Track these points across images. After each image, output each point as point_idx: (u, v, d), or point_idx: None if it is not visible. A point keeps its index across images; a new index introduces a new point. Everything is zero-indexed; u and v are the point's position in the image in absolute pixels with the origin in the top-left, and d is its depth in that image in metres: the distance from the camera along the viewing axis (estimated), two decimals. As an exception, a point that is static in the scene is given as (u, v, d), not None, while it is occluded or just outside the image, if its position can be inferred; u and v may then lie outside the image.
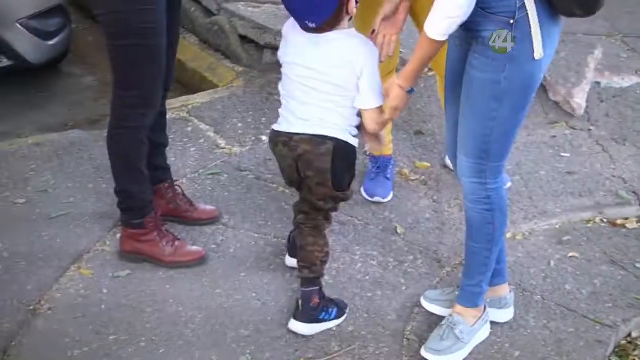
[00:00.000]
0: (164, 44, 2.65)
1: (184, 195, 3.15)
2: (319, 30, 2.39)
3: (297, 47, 2.46)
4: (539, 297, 2.87)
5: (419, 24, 2.85)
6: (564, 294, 2.88)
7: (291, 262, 2.86)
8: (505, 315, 2.73)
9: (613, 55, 4.40)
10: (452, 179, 3.43)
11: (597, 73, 4.20)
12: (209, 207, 3.19)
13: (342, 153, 2.49)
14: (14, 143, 3.68)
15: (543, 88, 4.00)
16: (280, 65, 2.56)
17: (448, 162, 3.52)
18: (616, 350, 2.75)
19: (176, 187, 3.14)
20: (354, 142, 2.51)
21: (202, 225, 3.13)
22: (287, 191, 3.32)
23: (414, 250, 3.07)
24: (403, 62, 2.67)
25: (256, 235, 3.10)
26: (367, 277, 2.92)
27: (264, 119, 3.86)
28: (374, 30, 2.58)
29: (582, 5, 2.20)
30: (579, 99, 4.01)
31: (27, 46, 4.43)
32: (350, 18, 2.47)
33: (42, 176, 3.39)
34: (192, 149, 3.64)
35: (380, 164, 3.37)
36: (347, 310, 2.72)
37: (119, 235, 3.00)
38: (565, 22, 2.31)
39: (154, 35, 2.61)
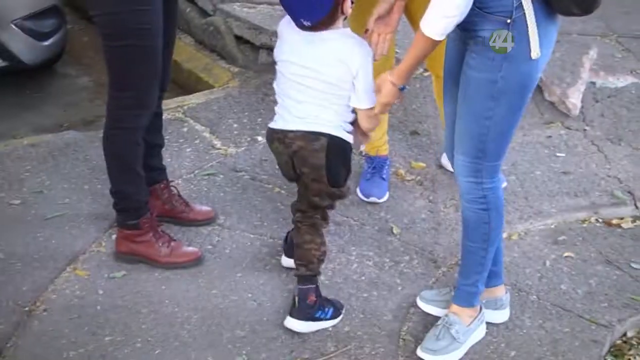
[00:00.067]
0: (160, 44, 2.65)
1: (179, 195, 3.15)
2: (313, 28, 2.40)
3: (292, 45, 2.47)
4: (534, 297, 2.87)
5: (414, 24, 2.85)
6: (560, 294, 2.89)
7: (287, 262, 2.86)
8: (501, 316, 2.73)
9: (608, 55, 4.41)
10: (447, 179, 3.44)
11: (592, 73, 4.22)
12: (204, 208, 3.19)
13: (336, 149, 2.50)
14: (8, 144, 3.67)
15: (538, 88, 4.01)
16: (275, 65, 2.57)
17: (444, 162, 3.52)
18: (611, 349, 2.76)
19: (172, 188, 3.14)
20: (348, 137, 2.52)
21: (197, 225, 3.13)
22: (282, 192, 3.33)
23: (409, 250, 3.07)
24: (398, 63, 2.67)
25: (252, 236, 3.10)
26: (363, 278, 2.92)
27: (259, 119, 3.86)
28: (367, 30, 2.59)
29: (579, 3, 2.21)
30: (574, 99, 4.02)
31: (22, 47, 4.42)
32: (345, 18, 2.47)
33: (37, 177, 3.39)
34: (188, 150, 3.64)
35: (376, 164, 3.37)
36: (343, 311, 2.72)
37: (114, 236, 2.99)
38: (559, 22, 2.31)
39: (150, 36, 2.60)
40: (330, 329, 2.67)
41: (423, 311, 2.76)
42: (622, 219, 3.34)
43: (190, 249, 2.97)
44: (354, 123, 2.54)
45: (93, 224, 3.11)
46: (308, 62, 2.43)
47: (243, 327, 2.67)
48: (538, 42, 2.21)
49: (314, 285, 2.64)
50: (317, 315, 2.64)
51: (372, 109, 2.46)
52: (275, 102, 2.60)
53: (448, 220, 3.23)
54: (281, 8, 2.45)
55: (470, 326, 2.60)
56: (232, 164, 3.54)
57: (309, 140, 2.47)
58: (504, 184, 3.33)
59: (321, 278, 2.73)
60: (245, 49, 4.50)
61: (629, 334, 2.83)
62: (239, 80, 4.30)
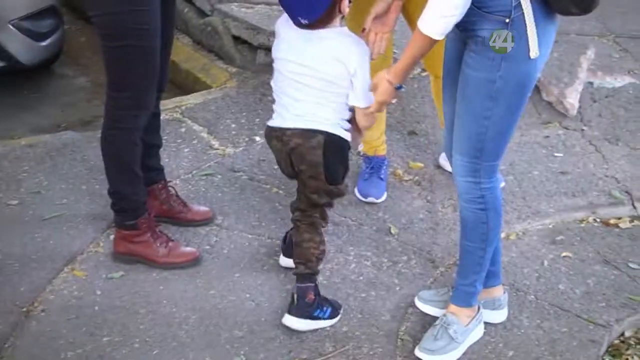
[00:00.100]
0: (158, 45, 2.65)
1: (177, 196, 3.15)
2: (311, 26, 2.41)
3: (290, 43, 2.48)
4: (532, 297, 2.87)
5: (412, 23, 2.86)
6: (558, 294, 2.89)
7: (285, 262, 2.86)
8: (498, 316, 2.73)
9: (605, 56, 4.42)
10: (445, 179, 3.44)
11: (589, 73, 4.22)
12: (202, 208, 3.19)
13: (334, 146, 2.51)
14: (6, 144, 3.67)
15: (536, 88, 4.01)
16: (273, 63, 2.57)
17: (442, 162, 3.52)
18: (609, 349, 2.76)
19: (170, 188, 3.13)
20: (346, 135, 2.53)
21: (195, 226, 3.12)
22: (280, 192, 3.33)
23: (407, 250, 3.07)
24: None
25: (250, 236, 3.10)
26: (361, 278, 2.92)
27: (257, 119, 3.86)
28: (364, 29, 2.59)
29: (578, 3, 2.21)
30: (572, 99, 4.02)
31: (20, 47, 4.41)
32: (343, 17, 2.48)
33: (35, 177, 3.38)
34: (186, 150, 3.63)
35: (374, 165, 3.37)
36: (341, 311, 2.72)
37: (112, 237, 2.99)
38: (558, 21, 2.32)
39: (149, 37, 2.60)
40: (329, 329, 2.67)
41: (421, 311, 2.76)
42: (619, 218, 3.34)
43: (188, 249, 2.97)
44: (351, 120, 2.55)
45: (91, 224, 3.11)
46: (306, 60, 2.44)
47: (241, 328, 2.67)
48: (537, 41, 2.21)
49: (312, 284, 2.65)
50: (316, 313, 2.64)
51: (369, 107, 2.47)
52: (273, 102, 2.60)
53: (446, 221, 3.23)
54: (279, 8, 2.46)
55: (468, 326, 2.60)
56: (230, 164, 3.54)
57: (306, 137, 2.48)
58: (502, 184, 3.34)
59: (319, 278, 2.73)
60: (243, 49, 4.50)
61: (627, 334, 2.83)
62: (237, 80, 4.29)
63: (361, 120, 2.52)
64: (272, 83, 2.58)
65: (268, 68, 2.85)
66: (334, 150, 2.51)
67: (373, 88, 2.41)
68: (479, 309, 2.65)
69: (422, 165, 3.58)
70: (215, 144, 3.69)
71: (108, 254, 2.96)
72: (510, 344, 2.66)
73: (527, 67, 2.26)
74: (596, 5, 2.24)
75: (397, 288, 2.88)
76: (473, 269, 2.56)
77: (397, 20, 2.69)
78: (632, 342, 2.81)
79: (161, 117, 3.08)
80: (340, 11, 2.42)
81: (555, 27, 2.30)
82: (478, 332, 2.65)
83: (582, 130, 3.92)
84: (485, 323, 2.68)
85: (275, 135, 2.56)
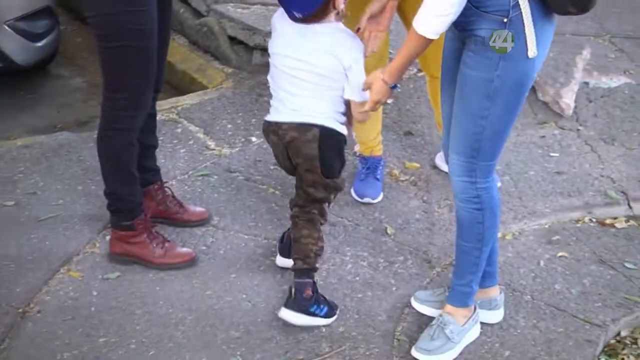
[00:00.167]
0: (155, 45, 2.65)
1: (173, 196, 3.14)
2: (305, 20, 2.44)
3: (285, 38, 2.50)
4: (528, 296, 2.87)
5: (407, 23, 2.86)
6: (554, 294, 2.89)
7: (282, 262, 2.87)
8: (495, 316, 2.73)
9: (601, 56, 4.42)
10: (441, 179, 3.44)
11: (585, 73, 4.22)
12: (198, 209, 3.19)
13: (329, 139, 2.53)
14: (2, 145, 3.66)
15: (532, 88, 3.98)
16: (269, 58, 2.58)
17: (438, 162, 3.53)
18: (605, 349, 2.76)
19: (166, 189, 3.13)
20: (342, 129, 2.54)
21: (192, 226, 3.12)
22: (277, 192, 3.32)
23: (404, 250, 3.07)
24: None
25: (246, 237, 3.10)
26: (358, 278, 2.92)
27: (253, 120, 3.86)
28: (359, 28, 2.60)
29: (575, 2, 2.21)
30: (568, 99, 4.03)
31: (15, 48, 4.41)
32: (337, 13, 2.49)
33: (31, 178, 3.38)
34: (182, 151, 3.63)
35: (370, 165, 3.37)
36: (338, 311, 2.72)
37: (108, 237, 2.99)
38: (556, 21, 2.32)
39: (145, 37, 2.60)
40: (325, 329, 2.67)
41: (417, 311, 2.76)
42: (615, 218, 3.34)
43: (185, 249, 2.97)
44: (346, 113, 2.56)
45: (87, 225, 3.11)
46: (301, 55, 2.46)
47: (237, 328, 2.67)
48: (535, 41, 2.21)
49: (310, 280, 2.65)
50: (312, 309, 2.64)
51: (363, 104, 2.47)
52: (269, 102, 2.61)
53: (442, 221, 3.23)
54: (275, 9, 2.47)
55: (464, 326, 2.61)
56: (226, 165, 3.54)
57: (301, 131, 2.51)
58: (498, 184, 3.34)
59: (316, 278, 2.73)
60: (239, 50, 4.49)
61: (623, 334, 2.84)
62: (233, 81, 4.30)
63: (357, 115, 2.54)
64: (268, 78, 2.61)
65: (264, 68, 2.85)
66: (330, 143, 2.53)
67: (367, 87, 2.42)
68: (475, 309, 2.65)
69: (418, 165, 3.58)
70: (212, 144, 3.69)
71: (104, 255, 2.96)
72: (506, 344, 2.66)
73: (525, 67, 2.26)
74: (593, 4, 2.24)
75: (394, 288, 2.88)
76: (469, 269, 2.56)
77: (392, 20, 2.69)
78: (628, 342, 2.81)
79: (157, 118, 3.08)
80: (334, 7, 2.44)
81: (553, 27, 2.30)
82: (474, 332, 2.65)
83: (578, 130, 3.93)
84: (482, 323, 2.68)
85: (272, 130, 2.58)
